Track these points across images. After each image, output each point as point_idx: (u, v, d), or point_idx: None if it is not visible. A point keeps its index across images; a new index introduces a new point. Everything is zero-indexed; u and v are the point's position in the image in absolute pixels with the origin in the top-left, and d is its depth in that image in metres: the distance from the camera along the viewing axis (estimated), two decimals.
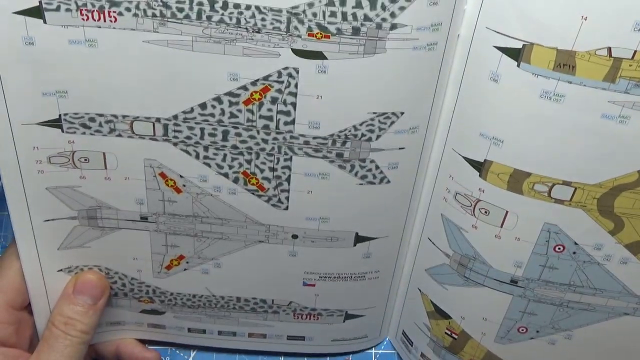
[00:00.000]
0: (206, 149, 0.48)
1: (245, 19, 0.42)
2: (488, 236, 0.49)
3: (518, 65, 0.42)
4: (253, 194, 0.50)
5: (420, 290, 0.56)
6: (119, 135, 0.48)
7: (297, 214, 0.51)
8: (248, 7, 0.42)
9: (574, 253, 0.48)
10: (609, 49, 0.40)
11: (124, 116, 0.47)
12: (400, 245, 0.54)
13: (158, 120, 0.47)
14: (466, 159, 0.47)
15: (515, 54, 0.42)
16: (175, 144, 0.48)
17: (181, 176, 0.50)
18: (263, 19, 0.42)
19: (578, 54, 0.40)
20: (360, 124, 0.46)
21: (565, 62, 0.41)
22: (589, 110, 0.42)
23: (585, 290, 0.49)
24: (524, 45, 0.41)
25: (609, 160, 0.44)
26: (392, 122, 0.46)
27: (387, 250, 0.54)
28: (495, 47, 0.43)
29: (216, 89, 0.45)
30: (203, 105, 0.46)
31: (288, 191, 0.50)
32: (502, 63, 0.43)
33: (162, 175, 0.50)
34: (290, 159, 0.48)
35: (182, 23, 0.43)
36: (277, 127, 0.47)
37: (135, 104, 0.46)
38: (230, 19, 0.42)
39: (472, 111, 0.46)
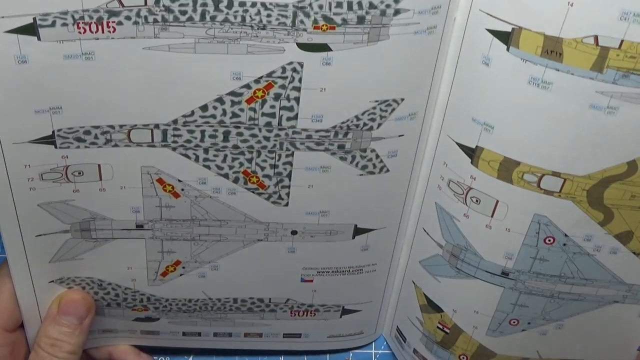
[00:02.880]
0: (206, 151, 0.48)
1: (250, 16, 0.42)
2: (479, 226, 0.49)
3: (508, 50, 0.42)
4: (253, 192, 0.50)
5: (414, 283, 0.57)
6: (115, 145, 0.47)
7: (298, 210, 0.51)
8: (254, 4, 0.42)
9: (564, 245, 0.48)
10: (596, 38, 0.40)
11: (121, 126, 0.46)
12: (397, 237, 0.55)
13: (157, 126, 0.46)
14: (459, 145, 0.48)
15: (505, 38, 0.42)
16: (174, 149, 0.47)
17: (180, 180, 0.49)
18: (269, 15, 0.42)
19: (565, 41, 0.40)
20: (362, 114, 0.47)
21: (552, 49, 0.41)
22: (577, 99, 0.42)
23: (575, 281, 0.50)
24: (513, 29, 0.42)
25: (598, 152, 0.44)
26: (393, 109, 0.47)
27: (385, 242, 0.55)
28: (487, 29, 0.43)
29: (219, 89, 0.45)
30: (204, 107, 0.46)
31: (289, 187, 0.50)
32: (493, 46, 0.43)
33: (160, 181, 0.49)
34: (292, 154, 0.48)
35: (184, 26, 0.42)
36: (279, 124, 0.47)
37: (134, 113, 0.46)
38: (235, 17, 0.42)
39: (465, 96, 0.46)
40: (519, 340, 0.54)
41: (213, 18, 0.42)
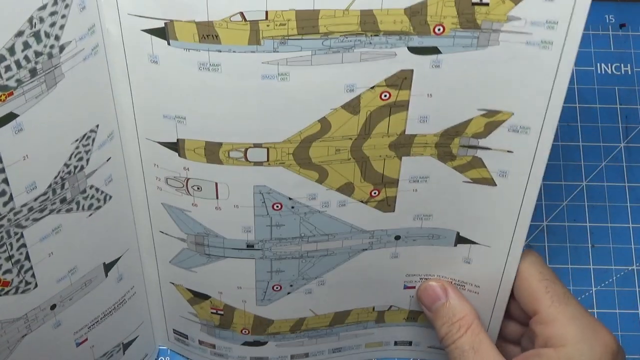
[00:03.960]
0: None
1: None
2: (210, 210, 0.50)
3: (169, 44, 0.43)
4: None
5: (173, 284, 0.57)
6: None
7: (48, 285, 0.48)
8: None
9: (292, 207, 0.50)
10: (242, 14, 0.41)
11: None
12: (140, 251, 0.55)
13: None
14: (161, 143, 0.48)
15: (162, 34, 0.43)
16: None
17: None
18: None
19: (216, 23, 0.41)
20: (70, 159, 0.45)
21: (208, 33, 0.42)
22: (247, 74, 0.43)
23: (317, 238, 0.52)
24: (166, 24, 0.42)
25: (287, 117, 0.45)
26: (93, 139, 0.46)
27: (133, 263, 0.55)
28: (142, 30, 0.43)
29: None
30: None
31: (31, 268, 0.47)
32: (155, 45, 0.43)
33: None
34: (22, 235, 0.45)
35: None
36: None
37: None
38: None
39: (148, 97, 0.46)
40: (289, 303, 0.56)
41: None
